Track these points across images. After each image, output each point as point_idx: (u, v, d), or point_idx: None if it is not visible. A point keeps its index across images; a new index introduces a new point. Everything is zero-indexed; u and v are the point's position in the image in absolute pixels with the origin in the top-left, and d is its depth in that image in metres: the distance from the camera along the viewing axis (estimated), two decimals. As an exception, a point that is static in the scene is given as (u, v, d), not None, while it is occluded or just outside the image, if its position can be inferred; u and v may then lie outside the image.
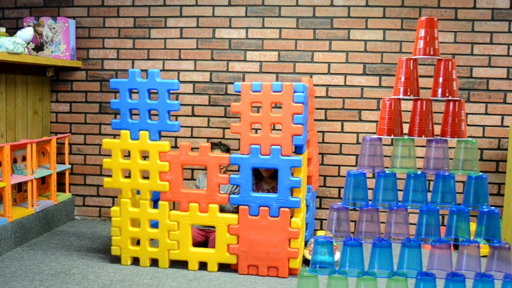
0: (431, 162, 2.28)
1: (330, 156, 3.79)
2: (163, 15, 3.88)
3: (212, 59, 3.85)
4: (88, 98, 4.02)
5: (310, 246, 3.11)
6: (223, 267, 2.99)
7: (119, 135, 3.69)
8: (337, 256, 2.97)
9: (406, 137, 2.30)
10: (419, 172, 2.27)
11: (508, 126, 3.62)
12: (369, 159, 2.29)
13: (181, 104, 3.83)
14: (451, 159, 2.32)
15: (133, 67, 3.95)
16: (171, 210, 2.99)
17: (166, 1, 3.87)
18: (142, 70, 3.71)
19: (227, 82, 3.84)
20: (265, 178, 3.36)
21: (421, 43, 2.27)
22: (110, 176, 3.14)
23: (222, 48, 3.84)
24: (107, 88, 3.99)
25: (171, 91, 3.01)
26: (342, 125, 3.76)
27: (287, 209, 2.84)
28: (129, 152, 3.02)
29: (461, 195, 2.28)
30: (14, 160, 3.44)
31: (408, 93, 2.28)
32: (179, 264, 3.02)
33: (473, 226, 2.26)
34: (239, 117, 3.06)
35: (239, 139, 3.66)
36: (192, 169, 3.93)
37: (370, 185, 3.40)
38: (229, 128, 3.82)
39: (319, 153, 3.78)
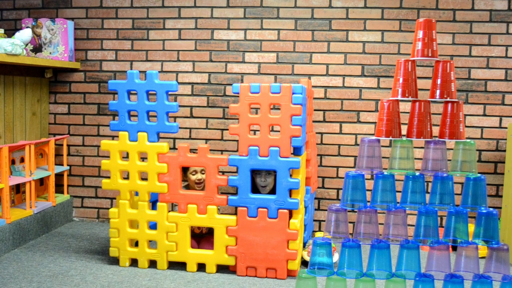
0: (429, 163, 2.28)
1: (328, 157, 3.79)
2: (162, 17, 3.88)
3: (211, 61, 3.85)
4: (86, 100, 4.02)
5: (309, 247, 3.11)
6: (222, 269, 2.98)
7: (117, 136, 3.68)
8: (336, 257, 2.97)
9: (404, 138, 2.30)
10: (417, 173, 2.27)
11: (506, 128, 3.62)
12: (368, 161, 2.29)
13: (180, 106, 3.83)
14: (450, 160, 2.32)
15: (131, 69, 3.94)
16: (169, 211, 2.99)
17: (164, 2, 3.87)
18: (140, 72, 3.71)
19: (226, 84, 3.84)
20: None
21: (419, 45, 2.27)
22: (109, 177, 3.14)
23: (220, 49, 3.84)
24: (105, 89, 3.99)
25: (169, 93, 3.01)
26: (341, 127, 3.76)
27: (285, 210, 2.84)
28: (127, 154, 3.02)
29: (459, 197, 2.28)
30: (12, 162, 3.44)
31: (406, 95, 2.28)
32: (178, 265, 3.02)
33: (471, 228, 2.26)
34: (238, 119, 3.06)
35: (237, 141, 3.66)
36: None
37: (369, 186, 3.40)
38: (227, 129, 3.82)
39: (318, 155, 3.78)
